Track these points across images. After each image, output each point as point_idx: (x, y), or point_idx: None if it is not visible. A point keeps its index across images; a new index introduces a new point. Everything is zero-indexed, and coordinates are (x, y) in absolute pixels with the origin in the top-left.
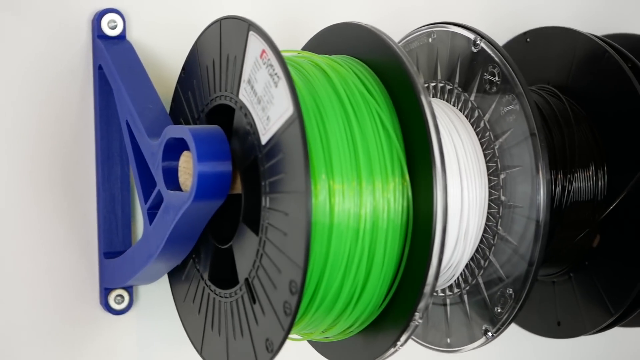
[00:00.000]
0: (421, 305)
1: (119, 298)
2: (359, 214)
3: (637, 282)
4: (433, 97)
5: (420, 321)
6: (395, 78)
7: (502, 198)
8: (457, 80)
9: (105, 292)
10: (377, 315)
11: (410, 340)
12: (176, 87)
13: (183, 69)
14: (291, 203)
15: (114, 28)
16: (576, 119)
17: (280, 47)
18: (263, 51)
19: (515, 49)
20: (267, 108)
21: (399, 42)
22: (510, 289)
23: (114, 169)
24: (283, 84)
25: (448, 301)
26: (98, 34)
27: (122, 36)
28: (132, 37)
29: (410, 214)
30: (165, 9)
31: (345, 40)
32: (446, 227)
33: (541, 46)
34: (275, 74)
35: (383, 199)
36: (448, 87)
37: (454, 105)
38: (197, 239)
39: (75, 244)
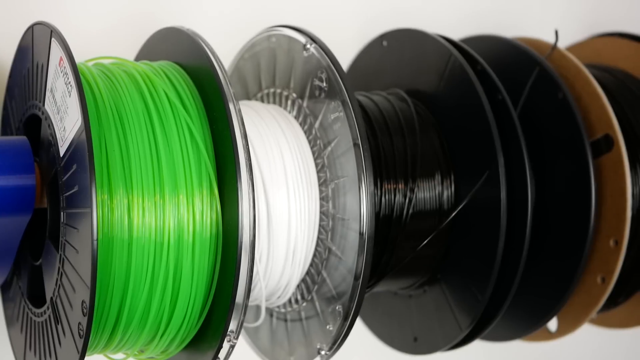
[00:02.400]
0: (233, 324)
1: None
2: (162, 228)
3: (482, 296)
4: (272, 104)
5: (236, 341)
6: (208, 86)
7: (331, 210)
8: (292, 86)
9: None
10: (196, 333)
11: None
12: (5, 96)
13: (9, 76)
14: (81, 219)
15: None
16: (422, 125)
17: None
18: (61, 59)
19: (373, 52)
20: (64, 118)
21: (245, 46)
22: (340, 306)
23: None
24: (75, 93)
25: (289, 317)
26: None
27: None
28: None
29: (219, 228)
30: (14, 12)
31: (170, 45)
32: (255, 240)
33: (396, 50)
34: (69, 82)
35: (188, 213)
36: (285, 93)
37: (290, 112)
38: (15, 256)
39: None
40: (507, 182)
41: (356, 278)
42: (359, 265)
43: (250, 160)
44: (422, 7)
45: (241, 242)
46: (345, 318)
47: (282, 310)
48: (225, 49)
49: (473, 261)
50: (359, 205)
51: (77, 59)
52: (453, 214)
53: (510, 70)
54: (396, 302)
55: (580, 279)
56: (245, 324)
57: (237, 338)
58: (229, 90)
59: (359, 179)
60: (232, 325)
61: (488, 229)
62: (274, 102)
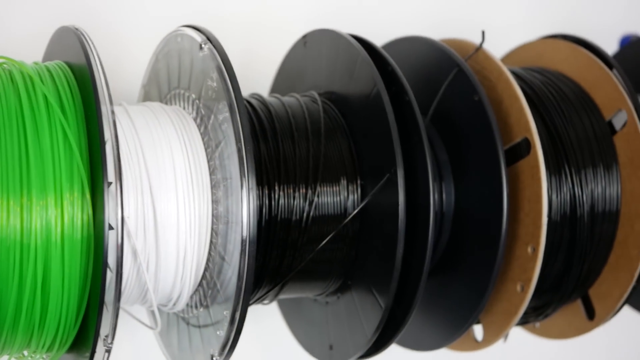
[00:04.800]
0: (106, 328)
1: None
2: (28, 229)
3: (385, 303)
4: (176, 105)
5: (111, 345)
6: (87, 87)
7: (223, 213)
8: (191, 86)
9: None
10: (77, 336)
11: None
12: None
13: None
14: None
15: None
16: (330, 128)
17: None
18: None
19: (297, 53)
20: None
21: (158, 47)
22: (227, 311)
23: None
24: None
25: (191, 322)
26: None
27: None
28: None
29: (91, 231)
30: None
31: (64, 45)
32: (123, 243)
33: (315, 50)
34: None
35: (57, 215)
36: (187, 94)
37: (190, 113)
38: None
39: None
40: (410, 187)
41: (239, 282)
42: (241, 269)
43: (119, 161)
44: (388, 8)
45: (107, 245)
46: (231, 323)
47: (186, 315)
48: None
49: (376, 267)
50: (240, 208)
51: None
52: (349, 218)
53: (431, 72)
54: (315, 309)
55: (501, 287)
56: (155, 331)
57: (112, 342)
58: (102, 90)
59: (240, 182)
60: (105, 330)
61: (389, 234)
62: (178, 103)
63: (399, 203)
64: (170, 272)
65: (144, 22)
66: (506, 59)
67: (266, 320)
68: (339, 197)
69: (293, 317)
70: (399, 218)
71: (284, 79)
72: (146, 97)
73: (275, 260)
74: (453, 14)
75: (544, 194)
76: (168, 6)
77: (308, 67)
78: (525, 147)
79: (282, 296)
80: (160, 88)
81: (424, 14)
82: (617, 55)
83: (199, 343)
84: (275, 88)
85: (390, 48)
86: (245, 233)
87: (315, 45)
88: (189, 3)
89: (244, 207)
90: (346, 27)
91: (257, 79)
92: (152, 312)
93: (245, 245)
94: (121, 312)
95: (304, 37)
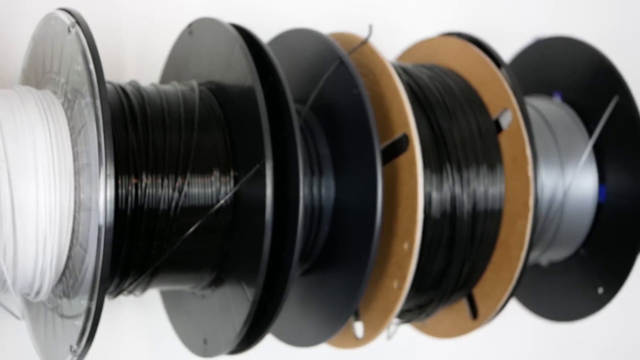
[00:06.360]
0: None
1: None
2: None
3: (252, 296)
4: (47, 89)
5: None
6: None
7: (86, 201)
8: (61, 70)
9: None
10: None
11: None
12: None
13: None
14: None
15: None
16: (205, 119)
17: None
18: None
19: (183, 42)
20: None
21: (35, 30)
22: (85, 301)
23: None
24: None
25: (57, 313)
26: None
27: None
28: None
29: None
30: None
31: None
32: None
33: (198, 39)
34: None
35: None
36: (57, 78)
37: (59, 98)
38: None
39: None
40: (282, 180)
41: (95, 271)
42: (98, 258)
43: None
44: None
45: None
46: (88, 313)
47: (53, 305)
48: None
49: (246, 260)
50: (97, 196)
51: None
52: (214, 208)
53: (315, 65)
54: (192, 302)
55: (379, 284)
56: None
57: None
58: None
59: (98, 169)
60: None
61: (259, 227)
62: (50, 88)
63: (267, 195)
64: (29, 261)
65: (39, 8)
66: (405, 54)
67: (158, 312)
68: (210, 189)
69: (173, 309)
70: (266, 211)
71: (171, 68)
72: (25, 81)
73: (141, 250)
74: (366, 9)
75: (420, 190)
76: None
77: (192, 56)
78: (404, 142)
79: (155, 287)
80: (37, 72)
81: (331, 8)
82: (519, 57)
83: (62, 333)
84: (164, 78)
85: (280, 40)
86: (101, 221)
87: (199, 34)
88: None
89: (101, 194)
90: (247, 19)
91: (154, 73)
92: (22, 301)
93: (101, 233)
94: None
95: (190, 25)
